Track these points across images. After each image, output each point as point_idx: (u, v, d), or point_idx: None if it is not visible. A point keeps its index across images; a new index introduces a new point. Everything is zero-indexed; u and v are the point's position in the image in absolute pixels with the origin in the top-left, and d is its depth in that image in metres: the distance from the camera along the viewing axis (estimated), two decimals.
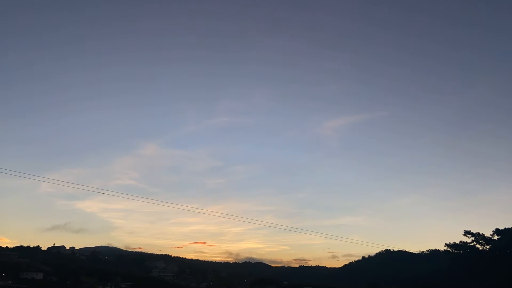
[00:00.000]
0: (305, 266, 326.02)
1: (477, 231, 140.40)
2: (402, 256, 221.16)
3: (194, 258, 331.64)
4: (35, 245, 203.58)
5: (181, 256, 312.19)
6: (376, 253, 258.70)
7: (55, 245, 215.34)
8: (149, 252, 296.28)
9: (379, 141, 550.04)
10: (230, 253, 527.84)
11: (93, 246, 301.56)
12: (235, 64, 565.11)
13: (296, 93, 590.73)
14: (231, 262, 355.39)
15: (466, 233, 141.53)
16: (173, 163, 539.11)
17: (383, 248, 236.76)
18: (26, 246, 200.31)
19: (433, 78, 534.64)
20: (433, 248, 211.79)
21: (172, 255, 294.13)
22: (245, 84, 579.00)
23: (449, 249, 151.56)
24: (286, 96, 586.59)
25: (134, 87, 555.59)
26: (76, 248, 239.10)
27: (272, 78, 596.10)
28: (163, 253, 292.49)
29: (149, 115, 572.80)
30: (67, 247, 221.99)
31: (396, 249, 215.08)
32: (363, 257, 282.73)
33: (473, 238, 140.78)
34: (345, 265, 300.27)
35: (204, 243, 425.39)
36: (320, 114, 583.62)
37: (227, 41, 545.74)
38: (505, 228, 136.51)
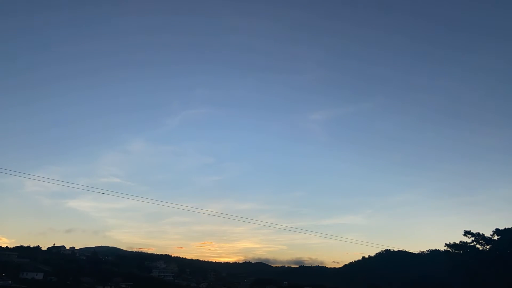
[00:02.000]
0: (305, 266, 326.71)
1: (477, 231, 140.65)
2: (402, 256, 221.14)
3: (194, 258, 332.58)
4: (35, 245, 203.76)
5: (181, 256, 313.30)
6: (376, 253, 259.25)
7: (55, 245, 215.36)
8: (149, 252, 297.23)
9: (371, 136, 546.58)
10: (230, 253, 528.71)
11: (93, 246, 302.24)
12: (212, 54, 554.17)
13: (276, 82, 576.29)
14: (231, 262, 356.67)
15: (466, 233, 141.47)
16: (161, 160, 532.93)
17: (383, 248, 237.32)
18: (26, 246, 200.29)
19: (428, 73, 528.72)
20: (433, 248, 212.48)
21: (172, 255, 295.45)
22: (222, 73, 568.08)
23: (449, 249, 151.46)
24: (265, 85, 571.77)
25: (119, 82, 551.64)
26: (76, 248, 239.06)
27: (249, 66, 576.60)
28: (163, 253, 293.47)
29: (133, 108, 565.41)
30: (67, 247, 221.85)
31: (396, 249, 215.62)
32: (363, 257, 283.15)
33: (473, 238, 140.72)
34: (345, 265, 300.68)
35: (204, 243, 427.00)
36: (304, 105, 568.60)
37: (207, 37, 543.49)
38: (505, 228, 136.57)
